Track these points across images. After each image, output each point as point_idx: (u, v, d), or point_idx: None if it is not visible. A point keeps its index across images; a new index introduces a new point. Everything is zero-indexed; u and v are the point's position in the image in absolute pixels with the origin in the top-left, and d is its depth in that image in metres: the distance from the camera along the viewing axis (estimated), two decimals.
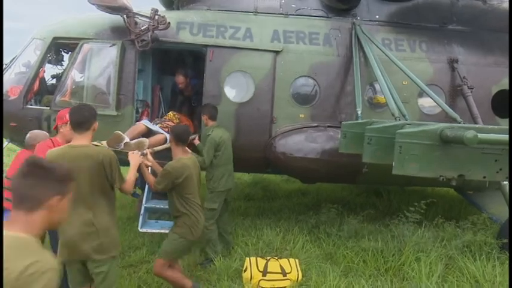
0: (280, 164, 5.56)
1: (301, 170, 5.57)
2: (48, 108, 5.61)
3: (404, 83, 5.64)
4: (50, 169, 1.59)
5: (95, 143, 3.60)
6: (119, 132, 4.02)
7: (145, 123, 5.40)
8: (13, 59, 6.16)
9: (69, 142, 3.57)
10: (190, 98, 6.33)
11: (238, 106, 5.60)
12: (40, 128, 5.58)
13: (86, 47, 5.59)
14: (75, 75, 5.67)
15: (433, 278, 4.04)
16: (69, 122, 3.29)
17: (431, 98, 5.06)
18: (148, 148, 4.08)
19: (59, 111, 4.41)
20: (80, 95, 5.57)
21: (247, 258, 4.41)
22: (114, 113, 5.41)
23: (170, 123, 5.45)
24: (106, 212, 2.98)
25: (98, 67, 5.57)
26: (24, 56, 6.11)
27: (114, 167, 3.00)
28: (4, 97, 5.75)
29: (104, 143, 3.95)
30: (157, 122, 5.63)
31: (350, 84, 5.70)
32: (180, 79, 6.00)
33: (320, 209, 6.37)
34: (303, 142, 5.42)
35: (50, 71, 6.95)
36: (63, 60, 6.67)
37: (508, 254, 4.50)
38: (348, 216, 5.97)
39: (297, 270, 4.28)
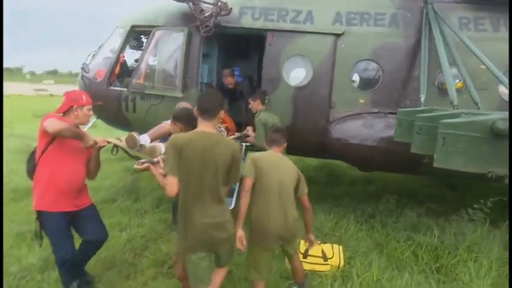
0: (335, 150, 5.48)
1: (356, 157, 5.42)
2: (126, 89, 6.28)
3: (482, 67, 5.06)
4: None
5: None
6: (134, 134, 3.68)
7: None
8: (101, 45, 6.98)
9: (78, 125, 3.51)
10: (235, 92, 6.45)
11: (296, 90, 5.62)
12: (119, 106, 6.33)
13: (158, 33, 6.08)
14: (148, 60, 6.23)
15: (483, 281, 3.71)
16: (196, 108, 2.96)
17: (503, 84, 4.48)
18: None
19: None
20: (152, 77, 6.13)
21: None
22: (180, 95, 5.83)
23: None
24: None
25: (167, 52, 6.04)
26: (110, 42, 6.88)
27: (238, 165, 2.89)
28: (92, 79, 6.60)
29: (124, 139, 3.75)
30: None
31: (418, 68, 5.31)
32: (229, 80, 6.18)
33: (382, 198, 6.18)
34: (359, 128, 5.25)
35: (133, 55, 7.75)
36: (142, 46, 7.36)
37: None
38: (412, 209, 5.70)
39: (339, 257, 4.27)
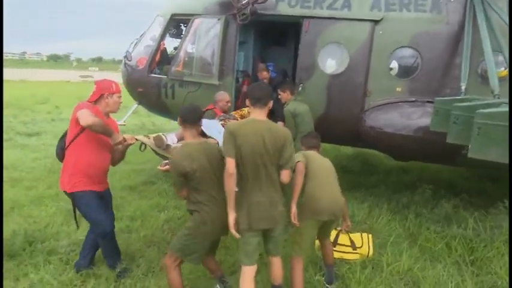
0: (368, 138, 5.44)
1: (390, 146, 5.35)
2: (166, 77, 6.52)
3: None
4: None
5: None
6: (162, 135, 3.81)
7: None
8: (142, 33, 7.26)
9: (109, 112, 3.64)
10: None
11: (331, 78, 5.59)
12: (159, 93, 6.59)
13: (196, 21, 6.24)
14: (187, 48, 6.41)
15: None
16: (248, 98, 3.14)
17: None
18: None
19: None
20: (190, 65, 6.32)
21: None
22: (216, 82, 5.98)
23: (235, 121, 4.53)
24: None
25: (204, 40, 6.19)
26: (151, 31, 7.14)
27: (289, 148, 3.06)
28: (134, 67, 6.90)
29: (152, 137, 3.87)
30: (221, 117, 4.82)
31: (460, 56, 5.11)
32: (264, 75, 6.17)
33: (418, 189, 6.08)
34: (395, 117, 5.16)
35: (173, 43, 7.98)
36: (182, 34, 7.56)
37: None
38: (448, 200, 5.57)
39: (368, 246, 4.30)
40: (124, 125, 7.38)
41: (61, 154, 3.64)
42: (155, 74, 6.77)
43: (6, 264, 4.02)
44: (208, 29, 6.14)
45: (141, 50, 7.10)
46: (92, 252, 3.92)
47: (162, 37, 6.74)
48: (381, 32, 5.38)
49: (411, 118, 5.06)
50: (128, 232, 4.80)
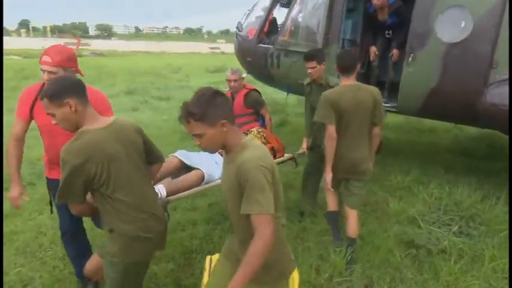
0: (489, 117, 4.69)
1: None
2: (272, 46, 6.66)
3: None
4: None
5: None
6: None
7: (179, 155, 3.57)
8: (255, 4, 7.48)
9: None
10: (385, 25, 5.80)
11: (448, 47, 4.93)
12: (265, 63, 6.79)
13: None
14: (294, 17, 6.39)
15: None
16: (336, 67, 3.45)
17: None
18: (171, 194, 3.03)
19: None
20: (296, 34, 6.30)
21: None
22: None
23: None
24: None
25: (311, 8, 6.06)
26: (262, 1, 7.30)
27: (380, 106, 3.37)
28: (244, 37, 7.21)
29: None
30: None
31: None
32: None
33: None
34: None
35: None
36: None
37: None
38: None
39: None
40: None
41: None
42: (263, 44, 6.96)
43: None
44: None
45: (253, 20, 7.34)
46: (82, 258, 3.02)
47: (271, 7, 6.84)
48: None
49: None
50: (193, 210, 4.76)
